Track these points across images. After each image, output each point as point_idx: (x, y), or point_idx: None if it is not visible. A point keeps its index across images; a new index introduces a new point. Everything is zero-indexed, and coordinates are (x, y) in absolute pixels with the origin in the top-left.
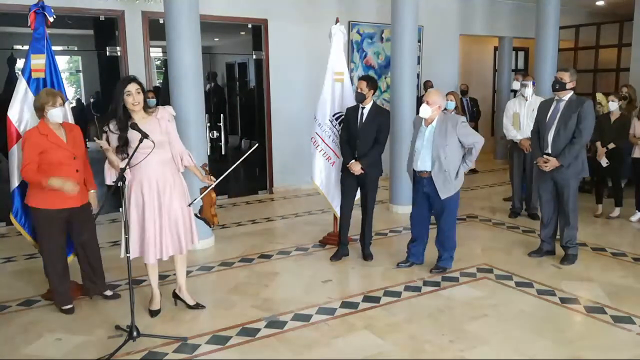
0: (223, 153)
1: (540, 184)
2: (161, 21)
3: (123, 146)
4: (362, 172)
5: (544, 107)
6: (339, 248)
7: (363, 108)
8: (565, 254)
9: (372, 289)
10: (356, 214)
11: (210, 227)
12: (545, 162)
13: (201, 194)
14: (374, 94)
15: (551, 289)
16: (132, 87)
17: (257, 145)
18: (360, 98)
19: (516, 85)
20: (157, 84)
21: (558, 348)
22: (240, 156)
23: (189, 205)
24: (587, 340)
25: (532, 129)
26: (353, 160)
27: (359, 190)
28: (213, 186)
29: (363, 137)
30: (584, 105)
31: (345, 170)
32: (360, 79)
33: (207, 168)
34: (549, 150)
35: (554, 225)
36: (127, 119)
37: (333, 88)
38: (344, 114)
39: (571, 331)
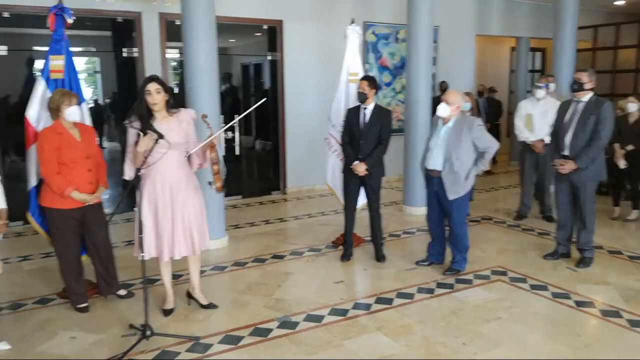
0: (237, 154)
1: (558, 185)
2: (178, 23)
3: None
4: (367, 172)
5: (562, 109)
6: (345, 248)
7: (365, 108)
8: (581, 256)
9: (384, 290)
10: (365, 215)
11: (212, 187)
12: (562, 165)
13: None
14: (375, 93)
15: (566, 292)
16: (151, 87)
17: (265, 100)
18: (362, 98)
19: (551, 87)
20: (173, 85)
21: (573, 352)
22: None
23: (209, 183)
24: (602, 344)
25: (551, 130)
26: (357, 161)
27: (362, 194)
28: (214, 136)
29: (367, 138)
30: (603, 107)
31: (347, 172)
32: (362, 78)
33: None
34: (567, 153)
35: (570, 227)
36: (148, 117)
37: (347, 89)
38: None
39: (586, 335)
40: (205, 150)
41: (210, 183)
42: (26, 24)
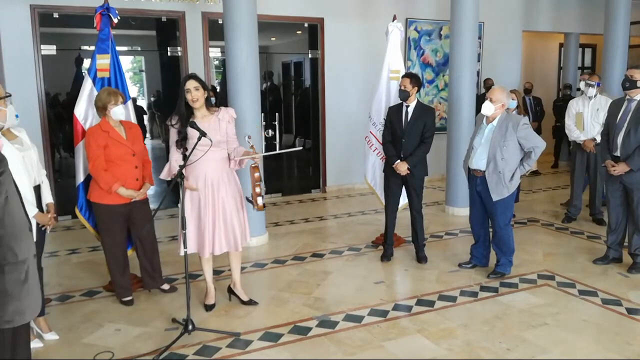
0: (277, 151)
1: (609, 187)
2: (220, 22)
3: (182, 140)
4: (409, 172)
5: (614, 108)
6: (385, 248)
7: (407, 106)
8: (633, 262)
9: (425, 292)
10: (406, 215)
11: (254, 208)
12: (614, 166)
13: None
14: (417, 91)
15: (617, 298)
16: (190, 85)
17: (309, 147)
18: (404, 96)
19: (583, 85)
20: (215, 84)
21: None
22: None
23: (246, 199)
24: None
25: (601, 130)
26: (399, 161)
27: (404, 193)
28: (254, 157)
29: (409, 137)
30: None
31: (389, 171)
32: (404, 76)
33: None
34: (618, 153)
35: (623, 231)
36: (188, 115)
37: (388, 87)
38: None
39: (638, 344)
40: (242, 161)
41: (249, 200)
42: (74, 24)
